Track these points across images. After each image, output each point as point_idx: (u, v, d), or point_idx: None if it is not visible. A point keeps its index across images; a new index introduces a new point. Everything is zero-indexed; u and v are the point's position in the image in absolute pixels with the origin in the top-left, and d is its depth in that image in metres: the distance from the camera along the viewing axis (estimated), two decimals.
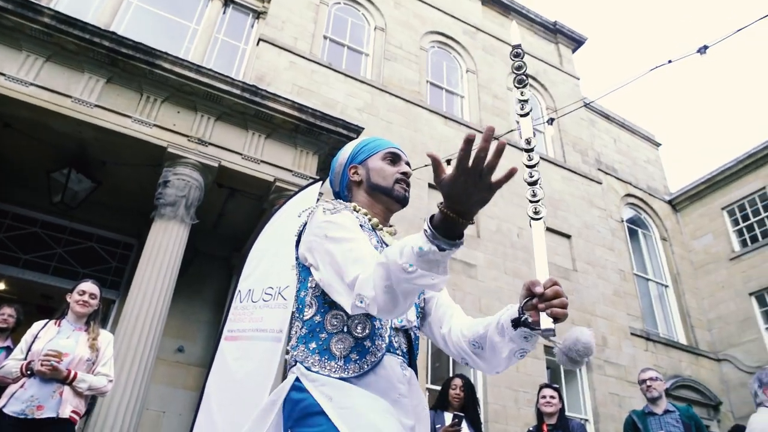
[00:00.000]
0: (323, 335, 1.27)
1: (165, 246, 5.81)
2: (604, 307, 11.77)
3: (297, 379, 1.24)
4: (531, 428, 4.28)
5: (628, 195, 14.90)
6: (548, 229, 11.93)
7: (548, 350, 10.34)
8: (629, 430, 4.30)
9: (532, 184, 1.29)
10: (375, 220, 1.52)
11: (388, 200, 1.58)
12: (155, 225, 6.02)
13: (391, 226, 1.60)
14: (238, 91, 6.72)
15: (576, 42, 15.89)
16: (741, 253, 14.09)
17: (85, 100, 6.12)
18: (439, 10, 13.45)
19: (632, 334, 11.99)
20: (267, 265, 4.49)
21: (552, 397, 4.15)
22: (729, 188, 14.88)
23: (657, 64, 3.19)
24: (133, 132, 6.28)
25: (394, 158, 1.64)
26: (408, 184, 1.61)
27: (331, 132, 7.17)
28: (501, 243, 10.90)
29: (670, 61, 3.14)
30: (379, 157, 1.63)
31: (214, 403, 3.96)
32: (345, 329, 1.28)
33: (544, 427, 4.03)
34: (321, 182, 5.50)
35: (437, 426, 3.80)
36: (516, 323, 1.23)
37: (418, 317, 1.49)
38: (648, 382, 4.27)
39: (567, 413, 10.14)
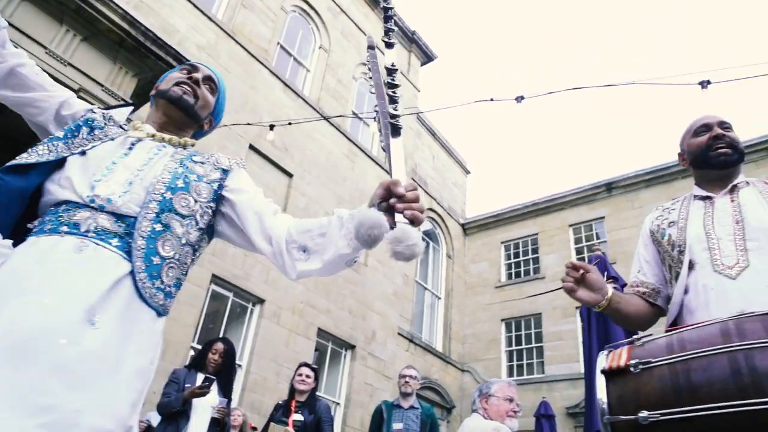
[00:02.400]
0: None
1: None
2: (382, 304, 12.56)
3: None
4: (280, 401, 4.38)
5: (430, 209, 16.10)
6: None
7: (321, 333, 10.72)
8: (376, 417, 4.65)
9: (392, 86, 1.30)
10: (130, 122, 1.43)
11: (164, 103, 1.46)
12: None
13: (180, 136, 1.47)
14: None
15: (427, 57, 16.73)
16: (504, 284, 16.12)
17: None
18: None
19: (399, 333, 12.99)
20: None
21: (308, 376, 4.29)
22: (511, 227, 16.92)
23: (482, 99, 3.52)
24: None
25: (190, 69, 1.54)
26: (191, 87, 1.48)
27: (160, 59, 6.56)
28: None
29: (491, 99, 3.48)
30: (177, 69, 1.56)
31: None
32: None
33: (293, 403, 4.16)
34: (133, 109, 5.00)
35: (186, 385, 3.70)
36: None
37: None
38: (407, 379, 4.67)
39: (322, 394, 10.69)
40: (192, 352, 8.31)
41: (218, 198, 1.39)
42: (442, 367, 14.69)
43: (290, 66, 12.33)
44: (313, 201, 11.34)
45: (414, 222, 1.08)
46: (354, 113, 13.03)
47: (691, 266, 1.53)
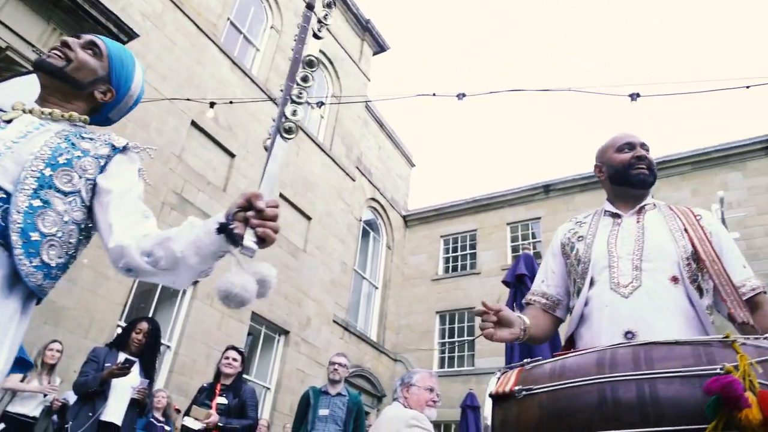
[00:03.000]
0: None
1: None
2: (319, 291, 12.54)
3: None
4: (205, 384, 4.32)
5: (373, 199, 16.17)
6: (294, 207, 12.28)
7: (254, 317, 10.61)
8: (303, 402, 4.66)
9: (297, 101, 1.23)
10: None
11: (39, 75, 1.38)
12: None
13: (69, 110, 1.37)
14: None
15: (380, 47, 16.70)
16: (441, 277, 16.42)
17: None
18: None
19: (334, 321, 13.02)
20: None
21: (234, 359, 4.25)
22: (451, 221, 17.22)
23: (424, 93, 3.58)
24: None
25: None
26: (60, 50, 1.38)
27: (100, 24, 6.29)
28: None
29: (434, 94, 3.54)
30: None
31: None
32: None
33: (218, 387, 4.11)
34: None
35: (106, 364, 3.59)
36: (221, 229, 1.09)
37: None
38: (336, 366, 4.68)
39: (253, 379, 10.61)
40: (119, 331, 8.06)
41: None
42: (375, 356, 14.84)
43: (239, 44, 12.04)
44: (255, 183, 11.13)
45: (264, 241, 1.05)
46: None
47: (592, 283, 1.60)
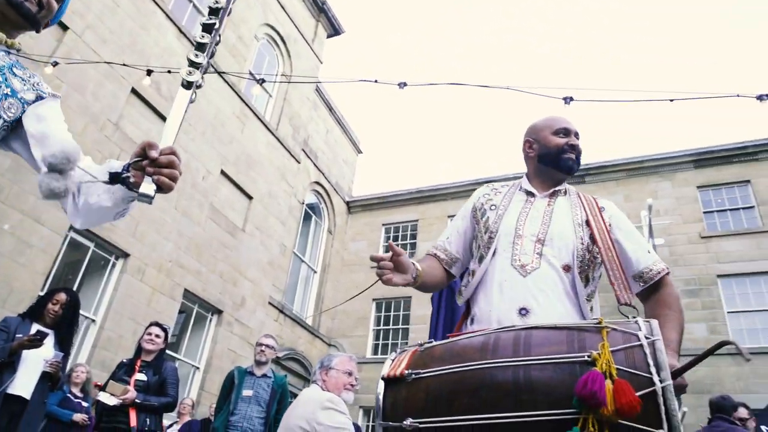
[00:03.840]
0: None
1: None
2: (256, 271, 12.39)
3: None
4: (125, 360, 4.20)
5: (317, 183, 16.06)
6: (235, 185, 12.05)
7: (187, 294, 10.38)
8: (227, 382, 4.60)
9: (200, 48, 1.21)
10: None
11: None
12: None
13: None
14: None
15: (334, 30, 16.52)
16: None
17: None
18: None
19: (270, 303, 12.90)
20: None
21: (157, 336, 4.14)
22: (394, 210, 17.34)
23: (366, 79, 3.58)
24: None
25: None
26: None
27: None
28: (184, 176, 10.54)
29: (376, 81, 3.54)
30: None
31: None
32: None
33: (138, 363, 4.01)
34: None
35: (18, 335, 3.43)
36: (114, 179, 1.10)
37: None
38: (263, 347, 4.63)
39: (182, 357, 10.39)
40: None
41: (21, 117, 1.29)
42: (309, 339, 14.82)
43: (188, 13, 11.64)
44: (194, 157, 10.87)
45: (161, 188, 1.06)
46: (251, 74, 12.60)
47: (495, 253, 1.66)
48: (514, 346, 1.13)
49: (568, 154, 1.79)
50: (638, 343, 1.09)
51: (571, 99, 2.98)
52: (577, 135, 1.84)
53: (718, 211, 14.25)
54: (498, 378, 1.08)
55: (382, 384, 1.19)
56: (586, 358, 1.04)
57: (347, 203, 17.60)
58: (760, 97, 2.96)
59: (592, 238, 1.63)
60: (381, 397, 1.17)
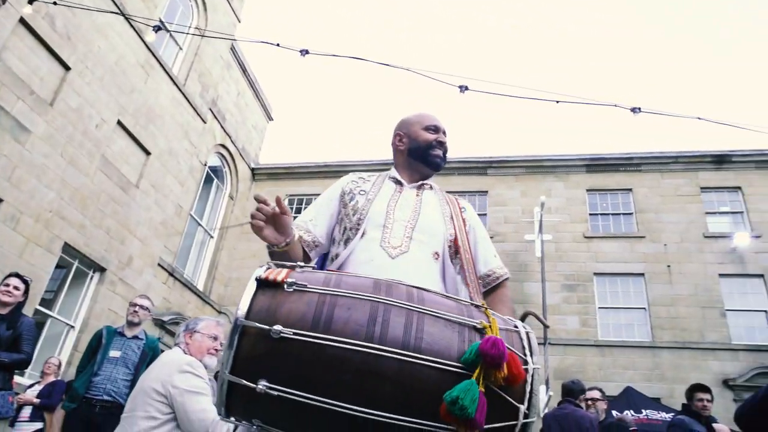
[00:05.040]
0: None
1: None
2: (147, 231, 11.84)
3: None
4: None
5: (223, 146, 15.52)
6: (132, 137, 11.39)
7: (67, 248, 9.74)
8: (93, 342, 4.38)
9: None
10: None
11: None
12: None
13: None
14: None
15: None
16: None
17: None
18: None
19: (159, 264, 12.39)
20: None
21: (16, 288, 3.85)
22: (301, 182, 17.15)
23: (268, 41, 3.46)
24: None
25: None
26: None
27: None
28: (74, 123, 9.80)
29: (278, 45, 3.44)
30: None
31: None
32: None
33: None
34: None
35: None
36: None
37: None
38: (136, 308, 4.43)
39: (56, 315, 9.75)
40: None
41: None
42: (199, 305, 14.42)
43: None
44: (89, 103, 10.13)
45: None
46: (161, 22, 11.87)
47: (363, 235, 1.67)
48: (408, 295, 1.14)
49: (437, 150, 1.86)
50: (516, 329, 1.19)
51: (467, 88, 3.07)
52: (445, 133, 1.91)
53: (601, 214, 15.35)
54: (391, 315, 1.07)
55: (253, 285, 1.09)
56: (476, 324, 1.10)
57: (252, 170, 17.17)
58: (634, 110, 3.20)
59: (455, 235, 1.71)
60: (250, 297, 1.07)
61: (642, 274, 14.11)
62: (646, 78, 70.19)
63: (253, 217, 1.45)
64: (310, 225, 1.78)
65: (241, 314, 1.05)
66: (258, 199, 1.47)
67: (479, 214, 16.22)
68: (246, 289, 1.10)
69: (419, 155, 1.86)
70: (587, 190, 15.62)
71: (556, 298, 13.83)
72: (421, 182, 1.86)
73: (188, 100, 13.18)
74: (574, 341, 13.40)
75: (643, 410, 9.45)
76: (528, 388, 1.07)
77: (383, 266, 1.55)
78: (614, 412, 8.81)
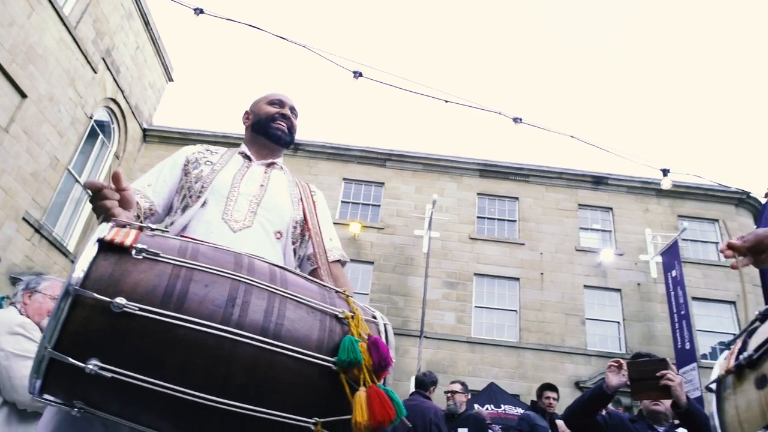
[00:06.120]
0: None
1: None
2: (13, 181, 10.81)
3: None
4: None
5: (113, 100, 14.48)
6: (6, 76, 10.32)
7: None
8: None
9: None
10: None
11: None
12: None
13: None
14: None
15: None
16: None
17: None
18: None
19: (24, 219, 11.36)
20: None
21: None
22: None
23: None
24: None
25: None
26: None
27: None
28: None
29: (194, 9, 3.23)
30: None
31: None
32: None
33: None
34: None
35: None
36: None
37: None
38: None
39: None
40: None
41: None
42: (66, 267, 13.38)
43: None
44: None
45: None
46: None
47: (204, 204, 1.61)
48: (270, 274, 1.08)
49: (278, 122, 1.85)
50: (375, 320, 1.19)
51: (360, 74, 3.08)
52: (293, 110, 1.91)
53: (488, 218, 16.11)
54: (252, 296, 1.01)
55: (95, 248, 0.95)
56: (338, 313, 1.08)
57: (144, 130, 16.18)
58: (515, 119, 3.37)
59: (304, 218, 1.71)
60: (89, 261, 0.93)
61: (517, 279, 15.00)
62: (531, 91, 74.43)
63: (106, 198, 1.30)
64: (149, 190, 1.65)
65: (75, 280, 0.89)
66: (90, 186, 1.33)
67: (374, 205, 16.30)
68: (84, 250, 0.95)
69: (260, 128, 1.85)
70: (478, 194, 16.31)
71: (437, 294, 14.35)
72: (271, 161, 1.85)
73: (78, 45, 12.15)
74: (448, 336, 13.99)
75: (502, 405, 10.04)
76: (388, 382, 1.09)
77: (223, 240, 1.46)
78: (476, 405, 9.34)
